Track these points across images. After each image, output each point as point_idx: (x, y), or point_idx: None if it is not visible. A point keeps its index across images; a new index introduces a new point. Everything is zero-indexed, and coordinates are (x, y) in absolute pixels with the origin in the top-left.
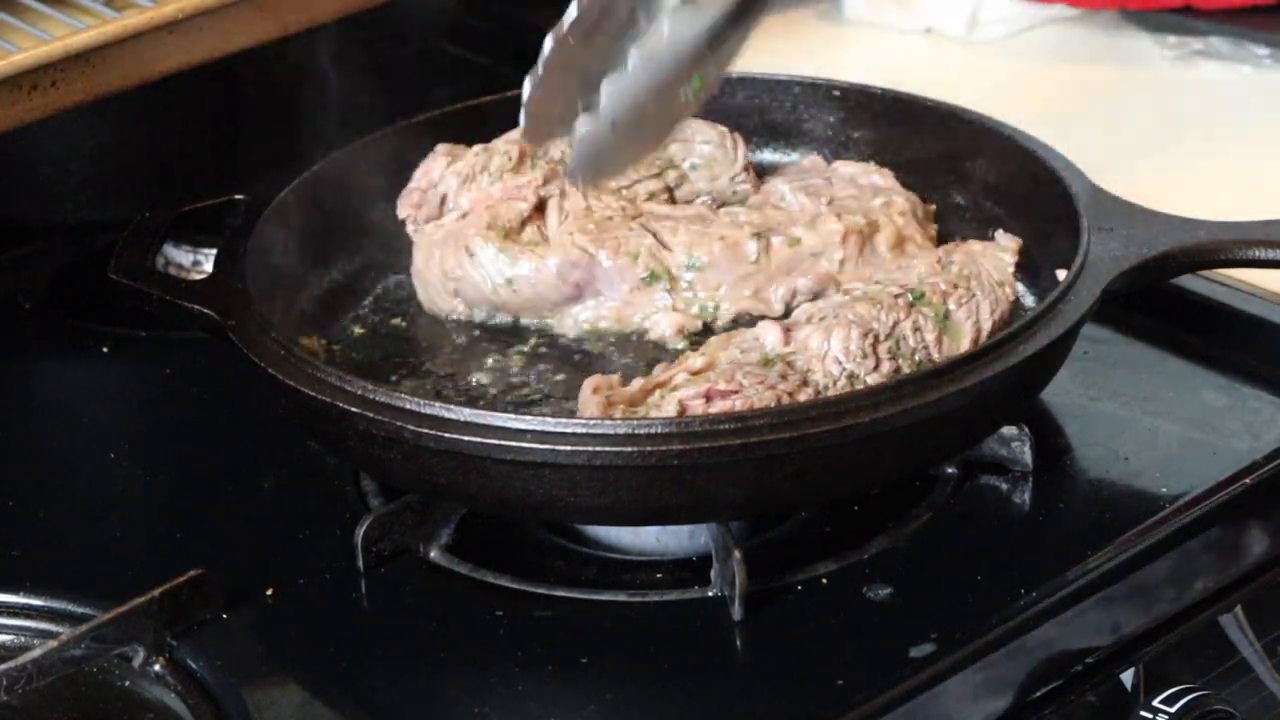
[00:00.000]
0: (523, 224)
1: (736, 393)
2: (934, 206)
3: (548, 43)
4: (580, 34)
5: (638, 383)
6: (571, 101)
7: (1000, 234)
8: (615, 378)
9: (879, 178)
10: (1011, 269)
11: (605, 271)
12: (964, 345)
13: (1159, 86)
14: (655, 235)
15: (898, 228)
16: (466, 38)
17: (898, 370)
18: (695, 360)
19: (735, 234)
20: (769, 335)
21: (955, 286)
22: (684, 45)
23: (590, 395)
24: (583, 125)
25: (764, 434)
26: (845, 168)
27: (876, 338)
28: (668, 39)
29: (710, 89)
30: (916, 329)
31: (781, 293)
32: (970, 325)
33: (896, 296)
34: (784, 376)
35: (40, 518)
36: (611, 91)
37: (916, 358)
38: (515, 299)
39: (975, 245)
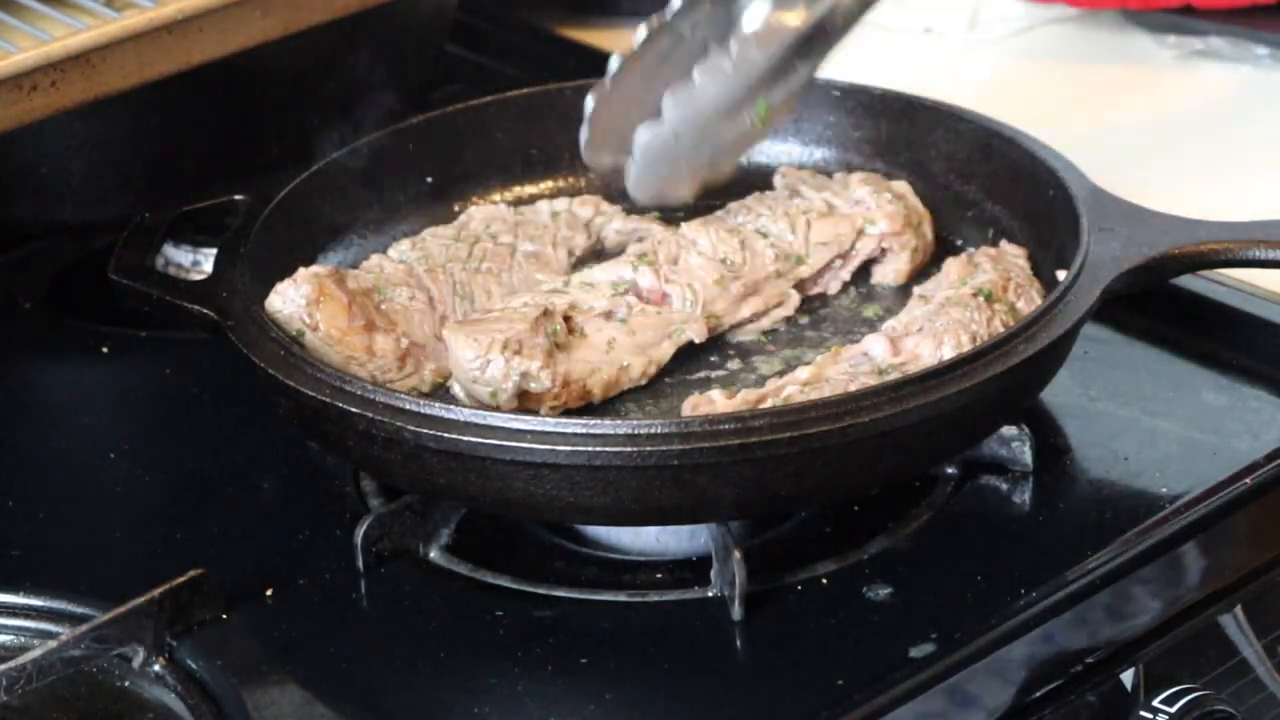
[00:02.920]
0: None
1: None
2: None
3: (615, 61)
4: (650, 57)
5: (742, 395)
6: (632, 125)
7: (1005, 244)
8: (715, 393)
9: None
10: (1029, 268)
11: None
12: None
13: (1159, 86)
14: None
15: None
16: (466, 38)
17: None
18: (802, 371)
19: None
20: (877, 347)
21: (1008, 279)
22: (751, 67)
23: (691, 415)
24: (644, 133)
25: (764, 434)
26: (860, 188)
27: (975, 338)
28: (735, 58)
29: (778, 116)
30: (1004, 324)
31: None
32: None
33: (974, 296)
34: None
35: (40, 518)
36: (676, 100)
37: None
38: None
39: (990, 250)
